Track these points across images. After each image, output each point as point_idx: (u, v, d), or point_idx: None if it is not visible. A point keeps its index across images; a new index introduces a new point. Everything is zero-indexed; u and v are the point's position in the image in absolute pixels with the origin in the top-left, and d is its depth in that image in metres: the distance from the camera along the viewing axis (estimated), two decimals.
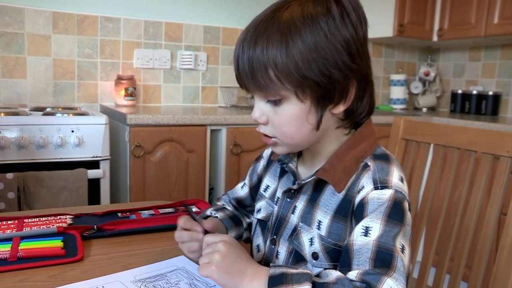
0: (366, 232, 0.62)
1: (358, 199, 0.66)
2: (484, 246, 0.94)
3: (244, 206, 0.91)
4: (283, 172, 0.80)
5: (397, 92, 3.12)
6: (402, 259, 0.60)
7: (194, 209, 1.06)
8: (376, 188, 0.64)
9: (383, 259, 0.59)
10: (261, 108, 0.68)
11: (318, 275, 0.65)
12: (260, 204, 0.83)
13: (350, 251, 0.62)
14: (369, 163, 0.68)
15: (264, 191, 0.83)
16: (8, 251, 0.76)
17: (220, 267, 0.61)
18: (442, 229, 1.05)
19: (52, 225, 0.90)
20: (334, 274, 0.60)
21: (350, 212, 0.67)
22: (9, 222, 0.91)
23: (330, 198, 0.69)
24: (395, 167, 0.68)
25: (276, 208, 0.78)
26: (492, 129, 0.99)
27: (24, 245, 0.79)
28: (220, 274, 0.61)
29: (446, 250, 1.02)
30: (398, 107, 3.10)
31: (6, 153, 1.70)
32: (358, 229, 0.63)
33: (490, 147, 0.96)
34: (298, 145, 0.70)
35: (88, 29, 2.33)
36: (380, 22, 2.77)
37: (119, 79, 2.36)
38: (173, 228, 0.94)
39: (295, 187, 0.74)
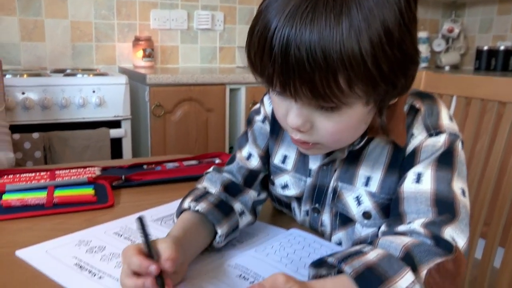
0: (418, 178, 0.58)
1: (410, 147, 0.60)
2: (506, 197, 0.94)
3: (255, 178, 0.73)
4: None
5: None
6: (465, 205, 0.56)
7: (217, 161, 1.08)
8: (430, 135, 0.59)
9: (444, 207, 0.55)
10: (305, 114, 0.53)
11: (371, 242, 0.53)
12: (283, 179, 0.72)
13: (401, 199, 0.57)
14: (417, 105, 0.61)
15: (283, 163, 0.71)
16: (44, 197, 0.80)
17: None
18: None
19: (82, 176, 0.93)
20: (402, 239, 0.51)
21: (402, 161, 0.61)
22: (42, 173, 0.95)
23: (374, 151, 0.62)
24: (442, 106, 0.62)
25: (310, 179, 0.69)
26: None
27: (58, 193, 0.82)
28: None
29: None
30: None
31: (31, 113, 1.74)
32: (410, 175, 0.58)
33: None
34: (343, 145, 0.61)
35: None
36: None
37: (137, 40, 2.36)
38: (197, 178, 0.96)
39: (343, 155, 0.63)
